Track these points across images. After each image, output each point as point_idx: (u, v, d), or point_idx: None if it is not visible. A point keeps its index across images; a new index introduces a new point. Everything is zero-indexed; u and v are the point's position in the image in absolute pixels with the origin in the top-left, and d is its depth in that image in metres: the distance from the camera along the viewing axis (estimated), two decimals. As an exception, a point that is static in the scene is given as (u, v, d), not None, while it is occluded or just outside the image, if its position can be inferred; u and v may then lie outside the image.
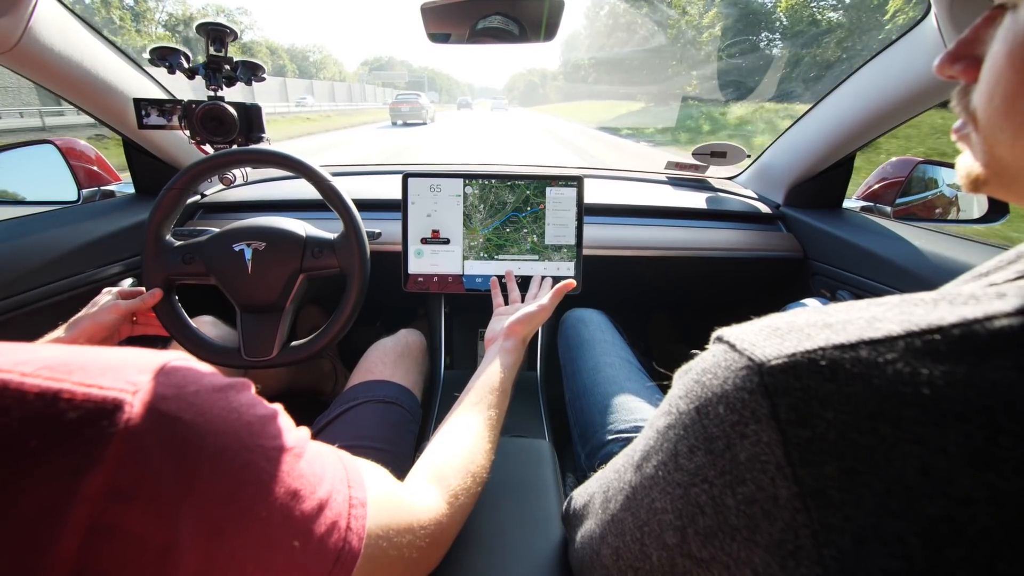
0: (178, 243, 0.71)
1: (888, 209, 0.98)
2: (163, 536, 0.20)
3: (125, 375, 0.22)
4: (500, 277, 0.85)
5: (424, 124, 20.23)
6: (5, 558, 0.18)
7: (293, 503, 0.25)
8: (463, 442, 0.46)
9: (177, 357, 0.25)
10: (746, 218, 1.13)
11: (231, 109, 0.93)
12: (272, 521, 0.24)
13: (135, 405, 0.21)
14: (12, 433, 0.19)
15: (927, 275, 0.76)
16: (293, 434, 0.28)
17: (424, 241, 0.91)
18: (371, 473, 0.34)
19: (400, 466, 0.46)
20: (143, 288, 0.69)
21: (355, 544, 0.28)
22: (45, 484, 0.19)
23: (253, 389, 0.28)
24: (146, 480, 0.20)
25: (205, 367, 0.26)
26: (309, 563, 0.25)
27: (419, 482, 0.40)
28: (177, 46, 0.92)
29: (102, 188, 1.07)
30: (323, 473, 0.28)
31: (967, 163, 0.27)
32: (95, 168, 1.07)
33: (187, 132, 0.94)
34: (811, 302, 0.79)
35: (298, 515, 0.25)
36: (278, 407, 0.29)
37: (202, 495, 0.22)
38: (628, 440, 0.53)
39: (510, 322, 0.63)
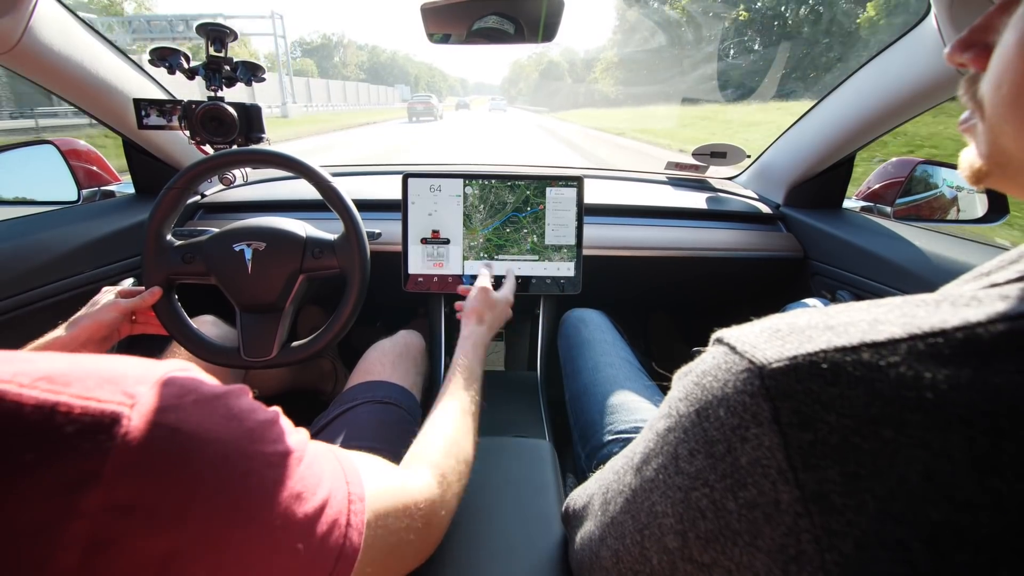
0: (178, 242, 0.71)
1: (888, 209, 0.97)
2: (165, 547, 0.20)
3: (123, 387, 0.22)
4: (500, 276, 0.85)
5: (435, 120, 23.99)
6: (1, 574, 0.18)
7: (295, 507, 0.25)
8: (444, 428, 0.49)
9: (176, 367, 0.25)
10: (746, 218, 1.13)
11: (231, 109, 0.93)
12: (275, 526, 0.24)
13: (133, 418, 0.21)
14: (8, 446, 0.18)
15: (927, 275, 0.76)
16: (293, 437, 0.28)
17: (424, 241, 0.91)
18: (366, 465, 0.34)
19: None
20: (143, 287, 0.69)
21: (355, 539, 0.28)
22: (41, 500, 0.18)
23: (251, 395, 0.28)
24: (146, 493, 0.20)
25: (204, 376, 0.26)
26: (312, 563, 0.25)
27: (410, 466, 0.42)
28: (177, 47, 0.92)
29: (102, 188, 1.07)
30: (322, 474, 0.28)
31: (970, 156, 0.27)
32: (95, 168, 1.07)
33: (187, 132, 0.94)
34: (812, 302, 0.79)
35: (300, 518, 0.25)
36: (277, 410, 0.29)
37: (205, 505, 0.21)
38: (628, 440, 0.53)
39: (466, 308, 0.72)
